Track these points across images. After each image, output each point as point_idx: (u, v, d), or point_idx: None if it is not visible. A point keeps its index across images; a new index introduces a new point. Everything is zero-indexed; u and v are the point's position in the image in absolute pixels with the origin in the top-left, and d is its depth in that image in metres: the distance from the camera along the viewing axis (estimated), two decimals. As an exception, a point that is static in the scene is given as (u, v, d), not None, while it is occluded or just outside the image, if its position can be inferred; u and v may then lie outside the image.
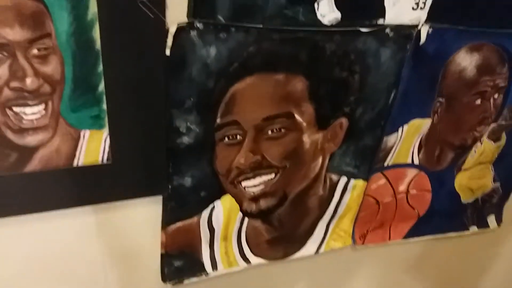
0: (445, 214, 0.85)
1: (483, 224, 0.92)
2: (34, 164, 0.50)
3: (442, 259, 0.95)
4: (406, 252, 0.91)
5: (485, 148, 0.77)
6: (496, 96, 0.70)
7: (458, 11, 0.59)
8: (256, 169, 0.64)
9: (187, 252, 0.69)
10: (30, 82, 0.45)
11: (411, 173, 0.76)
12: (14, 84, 0.44)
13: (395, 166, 0.74)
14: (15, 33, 0.42)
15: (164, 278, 0.70)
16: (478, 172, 0.81)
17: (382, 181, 0.75)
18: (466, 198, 0.85)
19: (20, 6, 0.41)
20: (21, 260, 0.59)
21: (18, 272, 0.60)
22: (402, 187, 0.78)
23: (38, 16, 0.42)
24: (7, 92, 0.45)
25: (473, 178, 0.82)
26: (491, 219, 0.92)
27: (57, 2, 0.42)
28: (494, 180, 0.85)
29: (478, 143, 0.76)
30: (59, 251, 0.60)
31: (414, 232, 0.86)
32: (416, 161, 0.74)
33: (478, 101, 0.69)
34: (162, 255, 0.68)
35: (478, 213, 0.89)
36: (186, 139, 0.57)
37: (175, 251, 0.68)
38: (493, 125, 0.74)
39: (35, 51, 0.44)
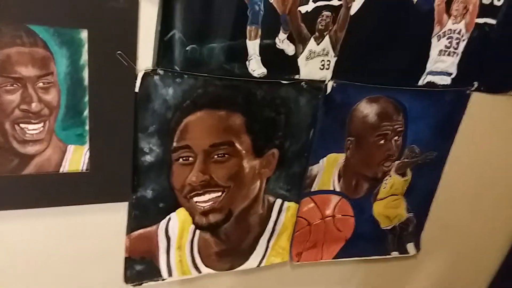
0: (369, 239, 1.01)
1: (403, 250, 1.08)
2: (30, 169, 0.66)
3: (369, 279, 1.10)
4: (338, 272, 1.05)
5: (394, 182, 0.96)
6: (396, 138, 0.90)
7: (356, 71, 0.80)
8: (206, 187, 0.79)
9: (147, 258, 0.82)
10: (34, 106, 0.62)
11: (335, 199, 0.93)
12: (23, 106, 0.61)
13: (321, 191, 0.91)
14: (28, 71, 0.60)
15: (126, 279, 0.83)
16: (392, 202, 0.99)
17: (311, 204, 0.92)
18: (384, 224, 1.01)
19: (33, 52, 0.59)
20: (5, 252, 0.72)
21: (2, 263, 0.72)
22: (328, 211, 0.94)
23: (45, 60, 0.60)
24: (17, 112, 0.62)
25: (388, 207, 0.99)
26: (410, 246, 1.08)
27: (59, 51, 0.60)
28: (408, 211, 1.02)
29: (388, 177, 0.94)
30: (38, 247, 0.73)
31: (343, 253, 1.01)
32: (338, 189, 0.92)
33: (382, 142, 0.89)
34: (125, 259, 0.81)
35: (398, 239, 1.05)
36: (148, 158, 0.73)
37: (136, 256, 0.81)
38: (398, 162, 0.93)
39: (40, 84, 0.61)
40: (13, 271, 0.74)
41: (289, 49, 0.72)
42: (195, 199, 0.80)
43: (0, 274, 0.73)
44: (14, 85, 0.60)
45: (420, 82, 0.85)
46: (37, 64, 0.60)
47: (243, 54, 0.70)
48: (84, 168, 0.69)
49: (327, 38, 0.73)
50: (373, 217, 0.99)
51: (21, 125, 0.63)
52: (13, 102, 0.61)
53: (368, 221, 0.99)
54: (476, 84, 0.90)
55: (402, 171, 0.95)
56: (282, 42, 0.71)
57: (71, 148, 0.67)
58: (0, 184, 0.65)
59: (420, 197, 1.01)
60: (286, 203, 0.89)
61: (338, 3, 0.71)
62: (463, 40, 0.82)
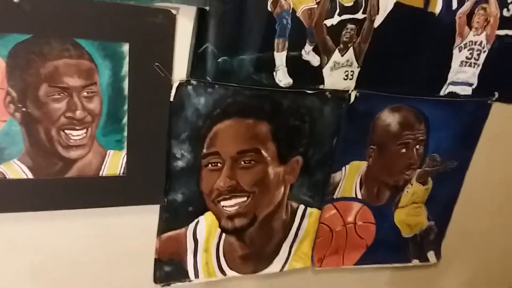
0: (390, 246, 1.03)
1: (424, 259, 1.09)
2: (72, 172, 0.70)
3: (390, 287, 1.11)
4: (359, 278, 1.07)
5: (415, 190, 0.97)
6: (418, 147, 0.92)
7: (379, 82, 0.83)
8: (232, 192, 0.82)
9: (175, 260, 0.86)
10: (79, 113, 0.67)
11: (356, 206, 0.95)
12: (68, 114, 0.67)
13: (343, 199, 0.93)
14: (74, 81, 0.65)
15: (156, 280, 0.86)
16: (413, 210, 1.00)
17: (333, 211, 0.94)
18: (405, 232, 1.03)
19: (79, 64, 0.64)
20: (41, 250, 0.76)
21: (35, 261, 0.76)
22: (350, 218, 0.97)
23: (90, 71, 0.65)
24: (62, 119, 0.67)
25: (409, 215, 1.01)
26: (431, 255, 1.09)
27: (103, 63, 0.65)
28: (429, 219, 1.04)
29: (409, 185, 0.96)
30: (73, 246, 0.78)
31: (364, 260, 1.02)
32: (359, 196, 0.94)
33: (403, 150, 0.91)
34: (155, 260, 0.85)
35: (419, 247, 1.06)
36: (180, 163, 0.77)
37: (166, 257, 0.85)
38: (419, 171, 0.95)
39: (85, 93, 0.66)
40: (51, 269, 0.78)
41: (315, 60, 0.76)
42: (222, 203, 0.83)
43: (39, 272, 0.78)
44: (61, 94, 0.65)
45: (442, 92, 0.87)
46: (83, 75, 0.65)
47: (271, 65, 0.74)
48: (122, 172, 0.73)
49: (351, 50, 0.77)
50: (394, 224, 1.00)
51: (66, 131, 0.68)
52: (60, 110, 0.66)
53: (389, 228, 1.00)
54: (497, 94, 0.91)
55: (423, 180, 0.97)
56: (308, 54, 0.75)
57: (110, 153, 0.72)
58: (45, 186, 0.70)
59: (441, 205, 1.02)
60: (309, 209, 0.92)
61: (362, 16, 0.75)
62: (484, 51, 0.85)
